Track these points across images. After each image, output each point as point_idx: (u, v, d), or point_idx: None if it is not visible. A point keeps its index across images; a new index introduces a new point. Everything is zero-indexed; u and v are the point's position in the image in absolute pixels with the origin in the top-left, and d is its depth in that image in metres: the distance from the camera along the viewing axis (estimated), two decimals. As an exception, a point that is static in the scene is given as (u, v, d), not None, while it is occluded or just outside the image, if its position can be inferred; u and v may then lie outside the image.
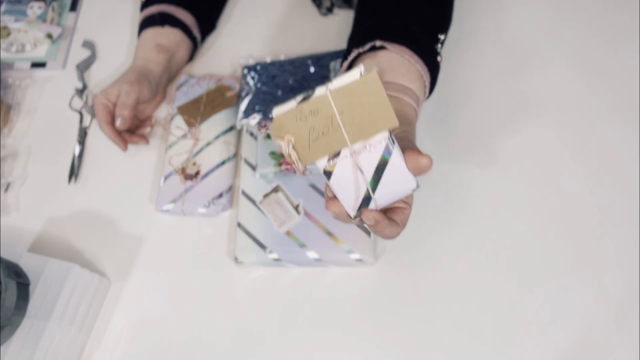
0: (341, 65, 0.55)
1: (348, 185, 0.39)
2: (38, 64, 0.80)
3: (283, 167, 0.63)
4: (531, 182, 0.65)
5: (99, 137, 0.74)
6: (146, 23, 0.72)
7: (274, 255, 0.60)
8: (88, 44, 0.80)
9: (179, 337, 0.61)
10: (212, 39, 0.80)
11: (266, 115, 0.67)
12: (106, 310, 0.63)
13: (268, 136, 0.65)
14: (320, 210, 0.62)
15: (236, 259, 0.61)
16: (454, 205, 0.64)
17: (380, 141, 0.37)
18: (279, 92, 0.68)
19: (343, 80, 0.36)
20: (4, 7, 0.84)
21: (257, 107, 0.67)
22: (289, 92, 0.68)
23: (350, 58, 0.52)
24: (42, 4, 0.83)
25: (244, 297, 0.62)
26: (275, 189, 0.63)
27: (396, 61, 0.50)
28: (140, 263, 0.65)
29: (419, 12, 0.56)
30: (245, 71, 0.72)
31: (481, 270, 0.61)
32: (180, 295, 0.63)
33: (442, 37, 0.57)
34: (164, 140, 0.72)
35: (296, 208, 0.62)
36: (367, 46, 0.50)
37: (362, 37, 0.52)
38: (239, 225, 0.63)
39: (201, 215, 0.65)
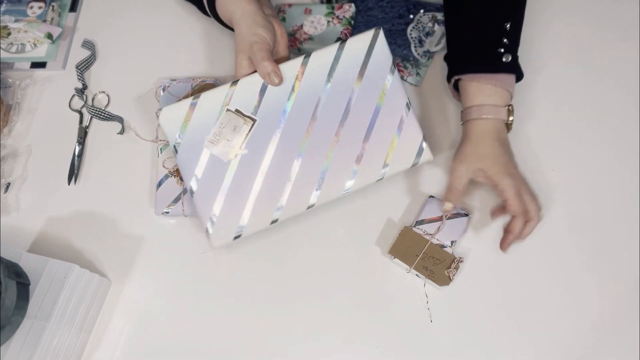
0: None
1: None
2: (38, 64, 0.80)
3: None
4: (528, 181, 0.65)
5: (99, 137, 0.74)
6: None
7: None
8: (88, 44, 0.80)
9: (179, 336, 0.61)
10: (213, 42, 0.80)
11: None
12: (106, 310, 0.63)
13: None
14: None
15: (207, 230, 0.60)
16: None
17: None
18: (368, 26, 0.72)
19: None
20: (4, 7, 0.84)
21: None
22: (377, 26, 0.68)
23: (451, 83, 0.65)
24: (42, 4, 0.83)
25: (244, 297, 0.62)
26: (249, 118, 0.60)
27: (471, 87, 0.62)
28: (140, 263, 0.65)
29: (480, 19, 0.62)
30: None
31: (481, 269, 0.61)
32: (181, 295, 0.63)
33: (507, 25, 0.61)
34: (155, 144, 0.72)
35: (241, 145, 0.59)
36: (452, 82, 0.64)
37: (449, 69, 0.65)
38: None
39: (201, 215, 0.65)
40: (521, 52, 0.62)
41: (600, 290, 0.59)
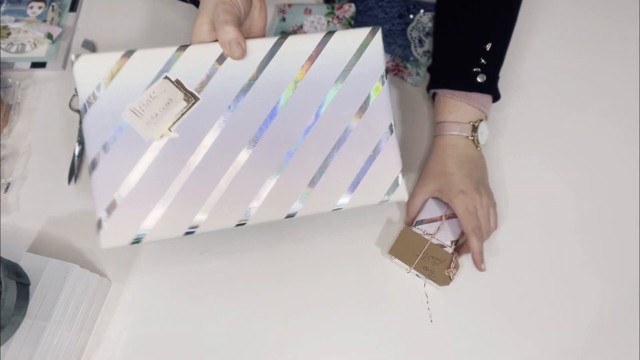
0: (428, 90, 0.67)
1: None
2: (38, 64, 0.80)
3: None
4: (530, 181, 0.65)
5: (99, 137, 0.74)
6: None
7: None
8: (88, 44, 0.80)
9: (179, 336, 0.61)
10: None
11: None
12: (106, 310, 0.63)
13: None
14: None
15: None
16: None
17: None
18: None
19: None
20: (4, 7, 0.84)
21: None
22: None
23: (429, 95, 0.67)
24: (42, 4, 0.83)
25: (244, 297, 0.62)
26: (190, 95, 0.48)
27: (440, 102, 0.63)
28: (140, 263, 0.65)
29: (461, 37, 0.63)
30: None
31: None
32: (181, 295, 0.63)
33: (488, 46, 0.61)
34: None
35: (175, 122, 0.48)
36: (430, 94, 0.66)
37: (430, 82, 0.66)
38: None
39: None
40: (520, 48, 0.62)
41: (600, 290, 0.59)
